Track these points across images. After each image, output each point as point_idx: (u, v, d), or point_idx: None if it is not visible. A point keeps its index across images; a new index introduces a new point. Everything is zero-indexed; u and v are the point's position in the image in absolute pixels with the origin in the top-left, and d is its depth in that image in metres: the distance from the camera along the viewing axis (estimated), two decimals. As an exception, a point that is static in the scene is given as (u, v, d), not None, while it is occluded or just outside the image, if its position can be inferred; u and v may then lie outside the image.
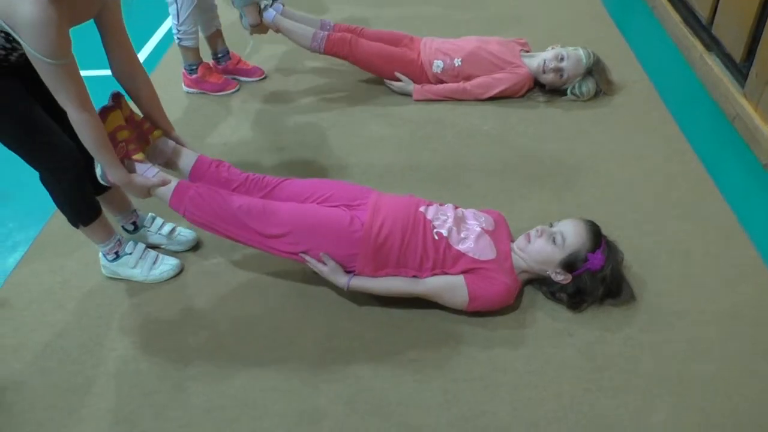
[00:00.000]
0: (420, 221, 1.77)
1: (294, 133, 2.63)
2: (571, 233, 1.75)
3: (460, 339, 1.72)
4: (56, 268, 1.99)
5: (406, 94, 2.81)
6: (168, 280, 1.93)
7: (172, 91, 2.89)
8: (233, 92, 2.92)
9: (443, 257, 1.74)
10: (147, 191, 1.71)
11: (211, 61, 2.95)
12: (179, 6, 2.61)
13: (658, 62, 3.07)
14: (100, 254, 1.92)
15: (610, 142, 2.50)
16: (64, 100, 1.50)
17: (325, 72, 3.06)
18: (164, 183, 1.71)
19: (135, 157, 1.69)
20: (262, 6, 2.69)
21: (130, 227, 2.02)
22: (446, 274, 1.74)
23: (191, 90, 2.92)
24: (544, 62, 2.69)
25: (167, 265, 1.94)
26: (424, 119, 2.67)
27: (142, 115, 1.78)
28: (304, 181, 1.90)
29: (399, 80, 2.80)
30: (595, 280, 1.74)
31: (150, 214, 2.05)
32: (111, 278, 1.94)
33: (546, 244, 1.76)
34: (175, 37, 2.73)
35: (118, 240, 1.91)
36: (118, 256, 1.90)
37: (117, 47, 1.67)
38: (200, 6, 2.69)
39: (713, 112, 2.69)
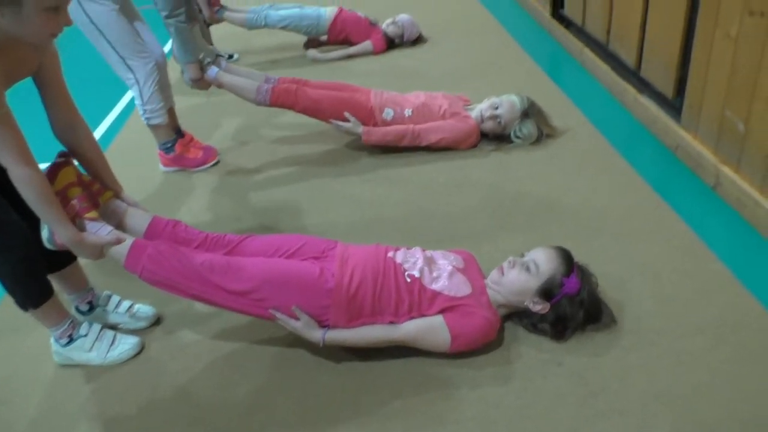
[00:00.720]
0: (390, 266, 1.73)
1: (252, 202, 2.59)
2: (543, 259, 1.74)
3: (446, 381, 1.64)
4: (0, 360, 1.84)
5: (354, 135, 2.79)
6: (128, 360, 1.80)
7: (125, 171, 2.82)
8: (214, 164, 2.86)
9: (419, 299, 1.69)
10: (100, 251, 1.59)
11: None
12: (141, 85, 2.56)
13: (596, 108, 3.21)
14: (52, 340, 1.79)
15: (564, 180, 2.55)
16: (4, 156, 1.43)
17: (278, 141, 3.07)
18: (119, 241, 1.60)
19: (87, 215, 1.59)
20: (205, 63, 2.72)
21: (85, 308, 1.89)
22: (424, 316, 1.68)
23: (170, 169, 2.84)
24: (481, 112, 2.79)
25: (126, 344, 1.81)
26: (381, 177, 2.68)
27: (90, 177, 1.72)
28: (266, 237, 1.85)
29: (347, 120, 2.75)
30: (573, 305, 1.71)
31: (105, 292, 1.93)
32: (65, 365, 1.80)
33: (520, 274, 1.73)
34: (143, 117, 2.68)
35: (71, 322, 1.78)
36: (71, 339, 1.77)
37: (56, 101, 1.63)
38: (159, 83, 2.66)
39: (655, 146, 2.80)
